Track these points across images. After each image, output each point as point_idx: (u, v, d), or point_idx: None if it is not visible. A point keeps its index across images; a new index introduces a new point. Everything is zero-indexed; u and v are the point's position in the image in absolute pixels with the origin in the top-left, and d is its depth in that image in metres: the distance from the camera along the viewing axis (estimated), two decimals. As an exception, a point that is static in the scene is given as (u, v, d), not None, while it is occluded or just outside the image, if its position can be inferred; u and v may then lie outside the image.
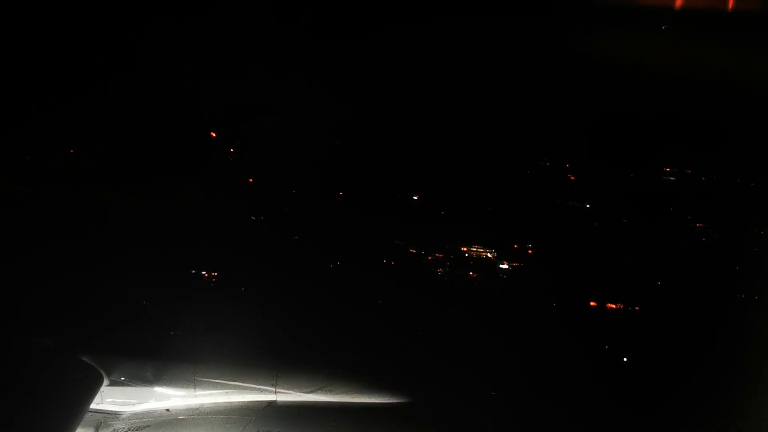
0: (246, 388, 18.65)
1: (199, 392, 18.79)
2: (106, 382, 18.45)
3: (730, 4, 27.22)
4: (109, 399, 18.69)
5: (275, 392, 18.53)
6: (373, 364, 19.01)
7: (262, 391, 18.60)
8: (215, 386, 18.76)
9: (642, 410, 18.99)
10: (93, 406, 17.86)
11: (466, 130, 28.06)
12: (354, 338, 20.15)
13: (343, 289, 23.15)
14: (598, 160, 27.09)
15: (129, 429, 18.05)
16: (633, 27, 26.83)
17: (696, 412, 18.63)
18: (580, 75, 26.97)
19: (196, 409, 18.51)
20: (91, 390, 17.81)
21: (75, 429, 16.56)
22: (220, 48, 27.18)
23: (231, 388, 18.74)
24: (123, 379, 18.72)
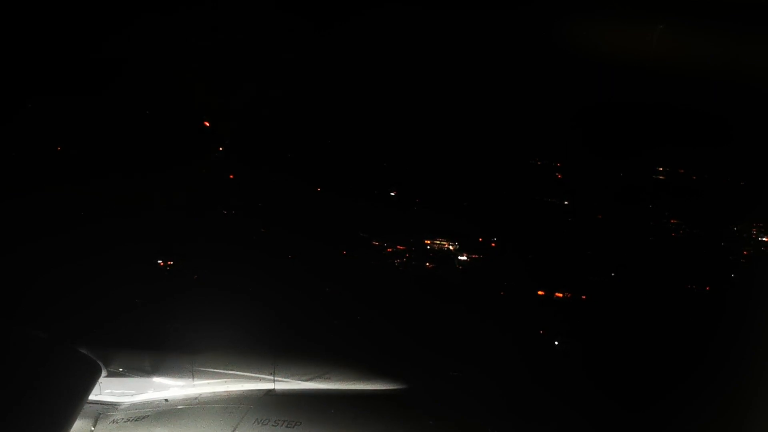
0: (244, 377, 18.88)
1: (198, 382, 18.92)
2: (104, 373, 18.34)
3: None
4: (108, 390, 18.60)
5: (273, 381, 18.86)
6: (368, 353, 19.76)
7: (261, 379, 18.85)
8: (214, 376, 18.92)
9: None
10: (92, 397, 17.74)
11: (454, 127, 28.94)
12: (348, 327, 20.85)
13: (327, 280, 23.71)
14: (587, 158, 28.33)
15: (128, 419, 18.02)
16: (626, 21, 27.89)
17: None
18: (570, 69, 28.07)
19: (195, 398, 18.62)
20: (89, 381, 17.66)
21: (74, 420, 16.51)
22: (207, 46, 26.94)
23: (229, 378, 18.98)
24: (121, 370, 18.65)
